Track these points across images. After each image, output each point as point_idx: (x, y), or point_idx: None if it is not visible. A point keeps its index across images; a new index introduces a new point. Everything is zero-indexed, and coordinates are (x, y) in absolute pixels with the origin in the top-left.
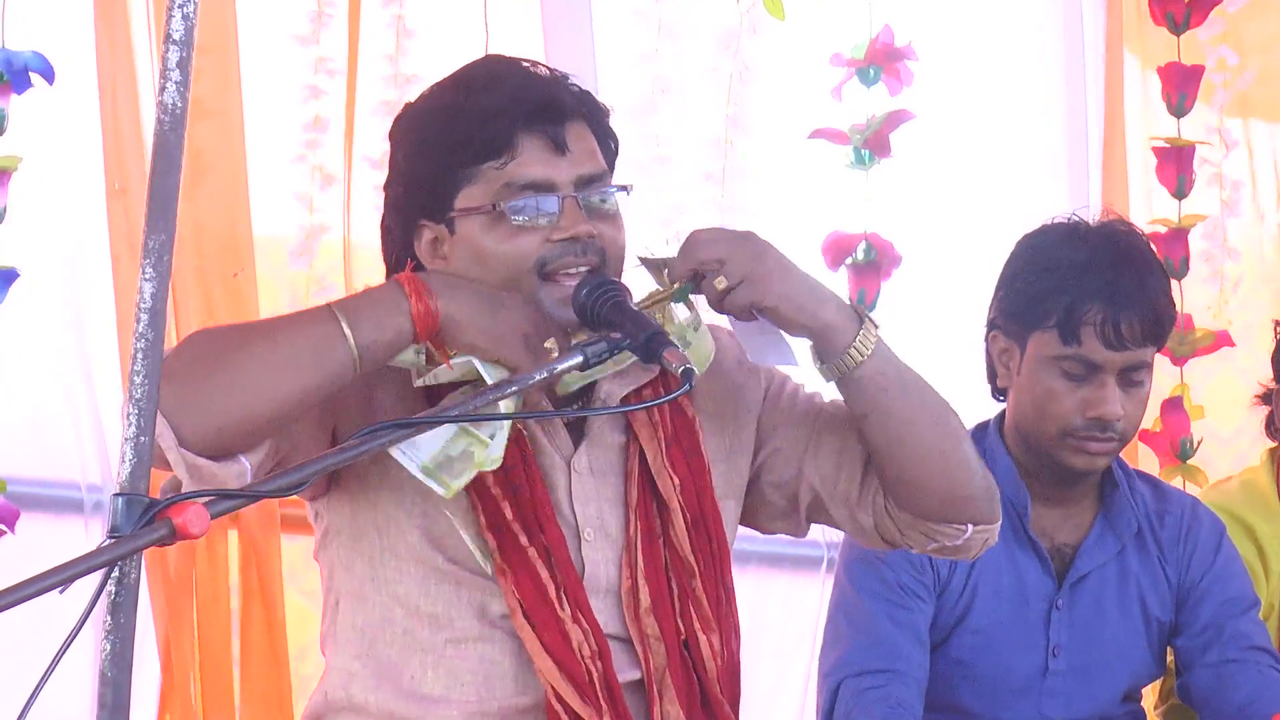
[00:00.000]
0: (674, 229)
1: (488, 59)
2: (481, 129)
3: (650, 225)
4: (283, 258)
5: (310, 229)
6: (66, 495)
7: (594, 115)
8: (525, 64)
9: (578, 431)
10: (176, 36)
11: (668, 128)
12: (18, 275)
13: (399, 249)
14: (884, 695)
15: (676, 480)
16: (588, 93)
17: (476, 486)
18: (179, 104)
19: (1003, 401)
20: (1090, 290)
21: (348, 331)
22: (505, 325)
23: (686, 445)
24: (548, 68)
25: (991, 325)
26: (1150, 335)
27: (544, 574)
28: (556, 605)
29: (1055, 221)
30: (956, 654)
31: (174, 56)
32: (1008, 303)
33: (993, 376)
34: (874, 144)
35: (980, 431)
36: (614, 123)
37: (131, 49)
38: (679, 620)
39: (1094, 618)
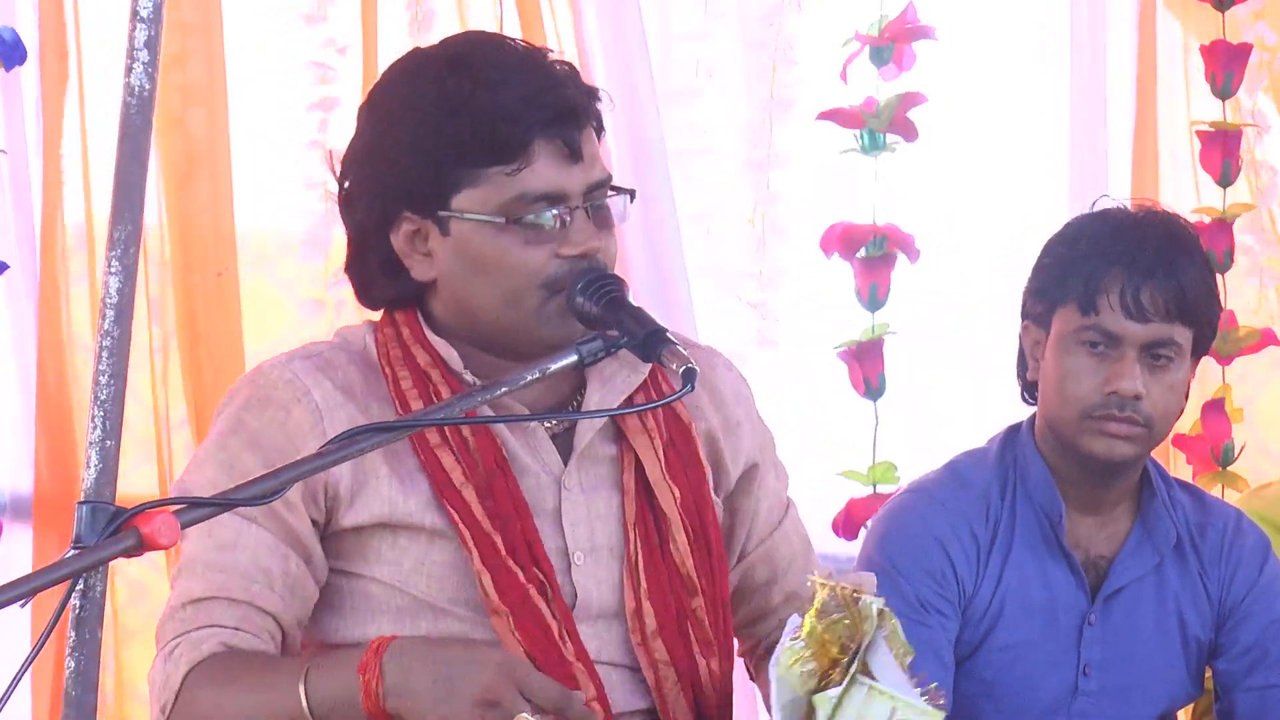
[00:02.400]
0: (705, 225)
1: (475, 37)
2: (494, 130)
3: (685, 222)
4: (295, 250)
5: (323, 217)
6: None
7: (597, 115)
8: (530, 52)
9: (565, 446)
10: (144, 14)
11: (708, 115)
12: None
13: (372, 237)
14: None
15: (677, 492)
16: (578, 77)
17: (466, 521)
18: (146, 86)
19: (1032, 405)
20: (1110, 257)
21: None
22: (460, 702)
23: (684, 453)
24: (547, 51)
25: (1023, 316)
26: (1177, 311)
27: (544, 610)
28: (561, 646)
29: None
30: (981, 672)
31: (141, 35)
32: (1033, 286)
33: (1023, 374)
34: (900, 128)
35: (1012, 434)
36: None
37: (65, 36)
38: (683, 642)
39: (1128, 635)
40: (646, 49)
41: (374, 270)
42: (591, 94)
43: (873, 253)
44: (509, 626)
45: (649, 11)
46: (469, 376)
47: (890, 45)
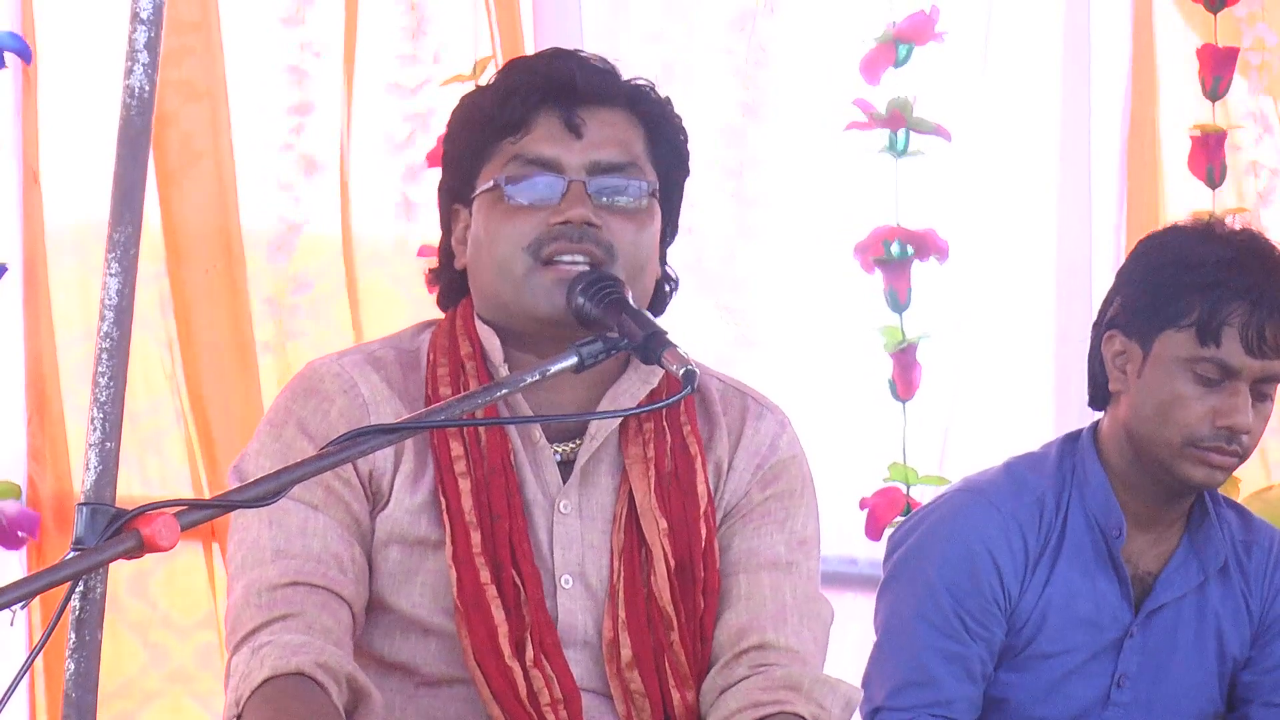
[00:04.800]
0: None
1: (550, 50)
2: (502, 105)
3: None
4: (262, 252)
5: (292, 222)
6: None
7: (652, 114)
8: (575, 51)
9: (569, 470)
10: (144, 15)
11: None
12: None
13: (443, 234)
14: None
15: (664, 523)
16: (663, 101)
17: (450, 513)
18: (146, 88)
19: (1098, 411)
20: (1236, 290)
21: None
22: None
23: (685, 484)
24: (603, 60)
25: (1110, 324)
26: None
27: (498, 616)
28: (507, 651)
29: (1182, 224)
30: (1017, 677)
31: (141, 37)
32: (1134, 300)
33: (1098, 382)
34: (939, 129)
35: (1071, 442)
36: None
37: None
38: (657, 675)
39: (1166, 651)
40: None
41: (440, 269)
42: (621, 87)
43: (893, 256)
44: (463, 624)
45: (601, 14)
46: (504, 370)
47: (910, 46)
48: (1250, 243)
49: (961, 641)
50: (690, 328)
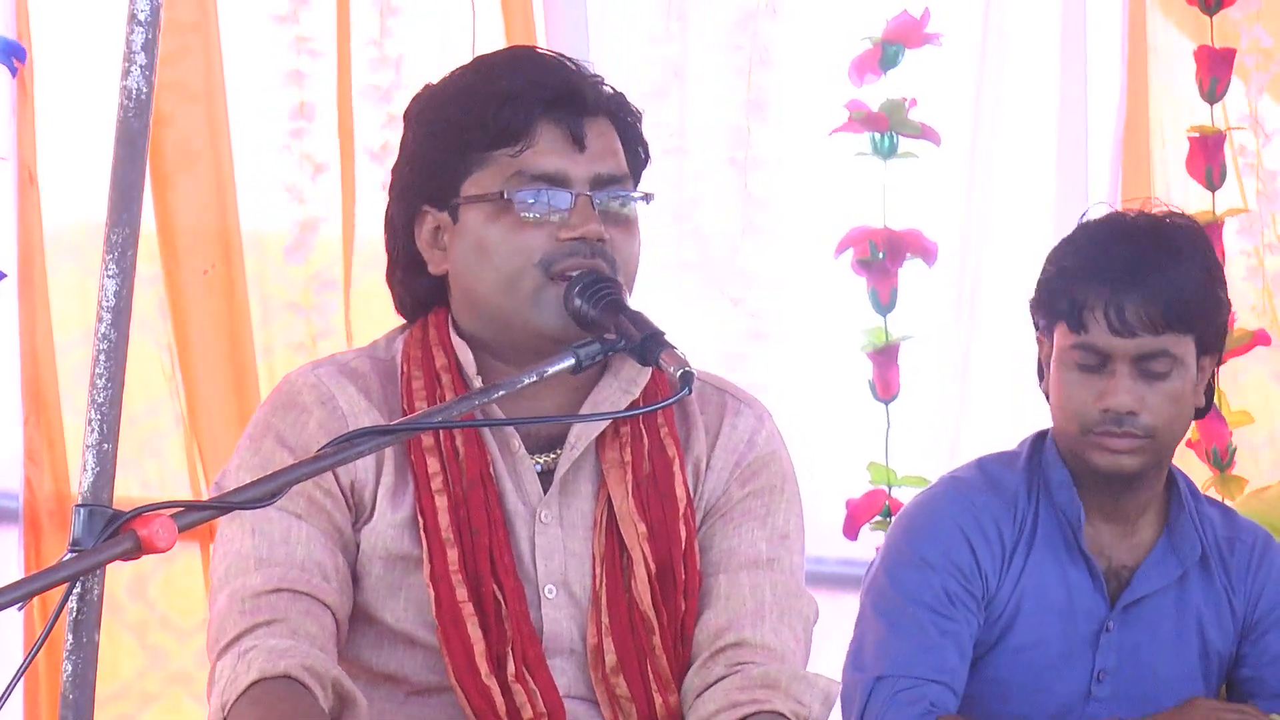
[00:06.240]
0: (690, 224)
1: (513, 47)
2: (499, 113)
3: (663, 220)
4: (274, 253)
5: (304, 222)
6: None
7: (622, 117)
8: (551, 54)
9: (549, 480)
10: (141, 16)
11: (681, 115)
12: (4, 275)
13: (400, 239)
14: (920, 695)
15: (643, 527)
16: (620, 94)
17: (428, 531)
18: (143, 89)
19: None
20: (1093, 272)
21: None
22: None
23: (663, 486)
24: (574, 61)
25: (1035, 327)
26: (1165, 322)
27: (474, 634)
28: (484, 669)
29: (1089, 219)
30: (994, 672)
31: (138, 38)
32: (1033, 302)
33: (1042, 383)
34: (924, 132)
35: (1040, 439)
36: None
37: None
38: (642, 679)
39: (1147, 645)
40: (588, 51)
41: (401, 275)
42: (606, 94)
43: (876, 257)
44: (442, 641)
45: (606, 15)
46: (478, 382)
47: (899, 48)
48: (1127, 225)
49: (953, 617)
50: (700, 320)
